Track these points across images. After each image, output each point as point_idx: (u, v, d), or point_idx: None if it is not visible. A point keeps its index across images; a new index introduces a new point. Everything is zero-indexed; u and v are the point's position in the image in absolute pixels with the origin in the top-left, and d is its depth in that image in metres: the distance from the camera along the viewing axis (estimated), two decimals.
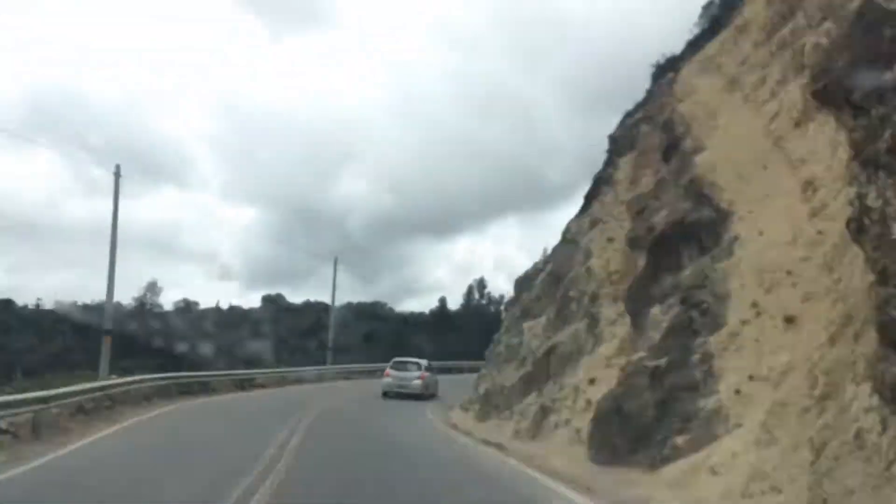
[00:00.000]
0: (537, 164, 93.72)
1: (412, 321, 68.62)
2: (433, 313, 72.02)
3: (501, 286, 78.80)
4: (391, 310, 71.94)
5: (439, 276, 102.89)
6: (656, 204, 14.23)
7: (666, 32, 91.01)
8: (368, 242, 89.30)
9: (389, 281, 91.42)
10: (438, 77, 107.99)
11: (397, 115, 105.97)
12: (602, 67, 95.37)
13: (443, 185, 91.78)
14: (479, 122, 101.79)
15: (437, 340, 53.12)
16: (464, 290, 74.11)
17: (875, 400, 6.53)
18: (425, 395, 26.72)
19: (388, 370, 27.61)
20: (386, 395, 26.49)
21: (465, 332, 56.75)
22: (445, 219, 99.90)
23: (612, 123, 22.69)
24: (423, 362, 28.46)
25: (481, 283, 74.13)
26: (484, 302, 73.19)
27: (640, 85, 21.43)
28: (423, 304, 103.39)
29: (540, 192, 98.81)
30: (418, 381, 26.82)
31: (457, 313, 71.43)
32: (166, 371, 24.51)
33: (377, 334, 59.55)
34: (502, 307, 39.42)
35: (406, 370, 27.46)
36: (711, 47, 16.62)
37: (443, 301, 73.96)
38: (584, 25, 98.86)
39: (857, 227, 7.27)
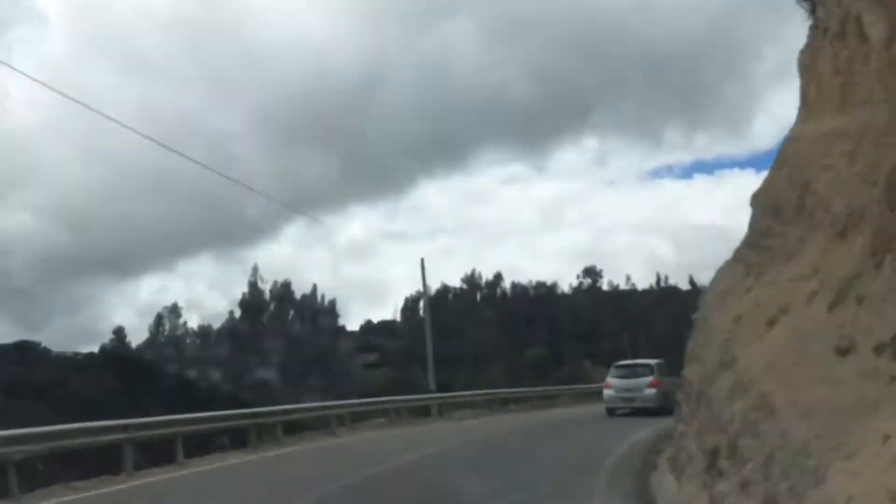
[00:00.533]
0: (233, 200, 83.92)
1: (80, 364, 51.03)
2: (106, 351, 55.04)
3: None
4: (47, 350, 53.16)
5: (122, 316, 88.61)
6: None
7: (359, 69, 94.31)
8: (32, 282, 72.18)
9: (59, 323, 72.89)
10: (126, 108, 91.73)
11: (75, 145, 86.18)
12: (297, 103, 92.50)
13: (127, 221, 76.72)
14: (172, 157, 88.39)
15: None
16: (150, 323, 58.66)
17: None
18: (663, 409, 17.45)
19: (609, 380, 21.58)
20: (612, 413, 20.76)
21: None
22: (129, 257, 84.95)
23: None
24: (654, 363, 21.57)
25: (175, 310, 59.32)
26: (179, 333, 58.52)
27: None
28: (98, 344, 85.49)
29: (236, 228, 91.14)
30: (651, 391, 20.21)
31: (139, 350, 55.75)
32: None
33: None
34: None
35: (632, 376, 21.12)
36: None
37: (119, 333, 57.31)
38: (279, 60, 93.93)
39: None
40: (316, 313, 58.32)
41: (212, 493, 10.17)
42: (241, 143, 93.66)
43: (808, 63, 7.64)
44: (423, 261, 33.16)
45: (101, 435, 11.78)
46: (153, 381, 41.14)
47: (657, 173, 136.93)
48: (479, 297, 65.79)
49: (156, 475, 11.76)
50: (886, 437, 3.49)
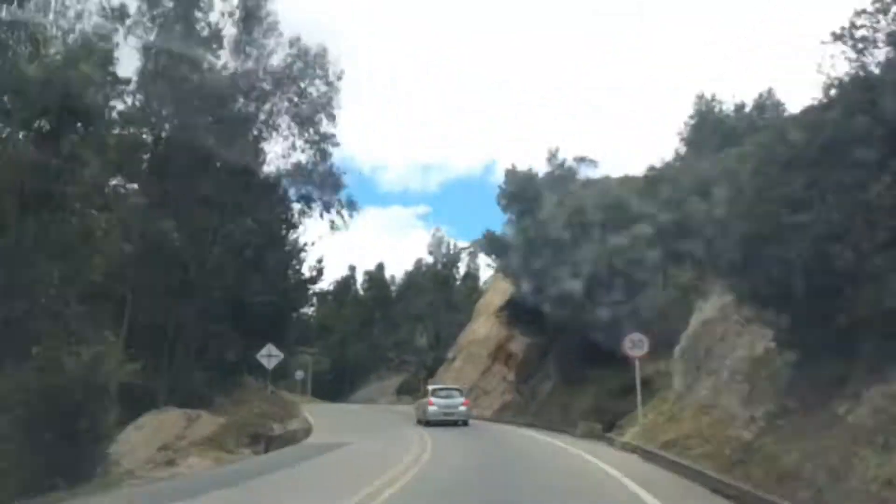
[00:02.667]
0: None
1: None
2: None
3: None
4: None
5: None
6: None
7: None
8: None
9: None
10: None
11: None
12: None
13: None
14: None
15: None
16: None
17: None
18: (468, 422, 27.74)
19: (432, 398, 28.31)
20: (428, 423, 26.99)
21: None
22: None
23: None
24: (463, 388, 31.05)
25: None
26: None
27: None
28: None
29: None
30: (464, 408, 28.18)
31: None
32: None
33: None
34: None
35: (450, 397, 28.43)
36: None
37: None
38: None
39: None
40: None
41: None
42: None
43: None
44: None
45: None
46: None
47: None
48: None
49: None
50: None
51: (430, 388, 30.62)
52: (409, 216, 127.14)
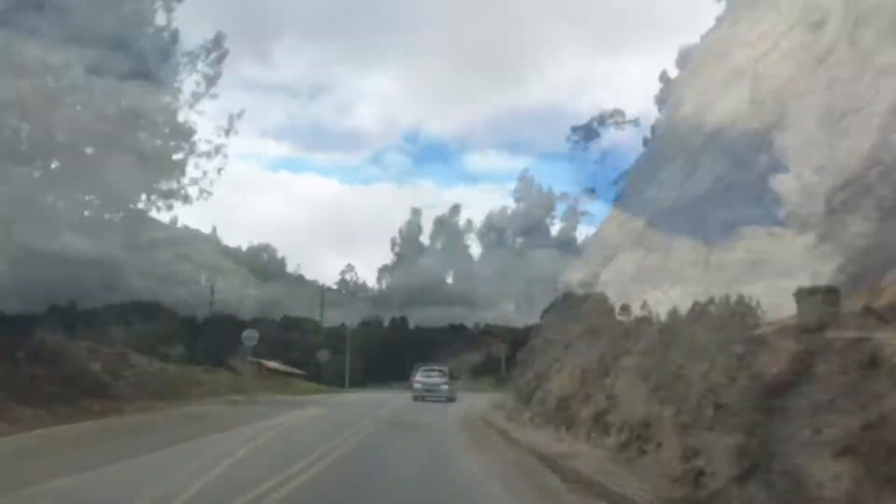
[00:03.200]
0: None
1: None
2: None
3: None
4: None
5: None
6: None
7: None
8: None
9: None
10: None
11: None
12: None
13: None
14: None
15: None
16: None
17: None
18: (450, 399, 31.13)
19: (417, 377, 33.05)
20: (415, 398, 30.93)
21: None
22: None
23: None
24: (446, 369, 35.10)
25: None
26: None
27: None
28: None
29: None
30: (446, 387, 31.92)
31: None
32: None
33: None
34: None
35: (433, 377, 32.80)
36: None
37: None
38: None
39: None
40: None
41: None
42: None
43: None
44: None
45: None
46: None
47: None
48: None
49: None
50: None
51: (418, 367, 34.25)
52: (499, 192, 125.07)
